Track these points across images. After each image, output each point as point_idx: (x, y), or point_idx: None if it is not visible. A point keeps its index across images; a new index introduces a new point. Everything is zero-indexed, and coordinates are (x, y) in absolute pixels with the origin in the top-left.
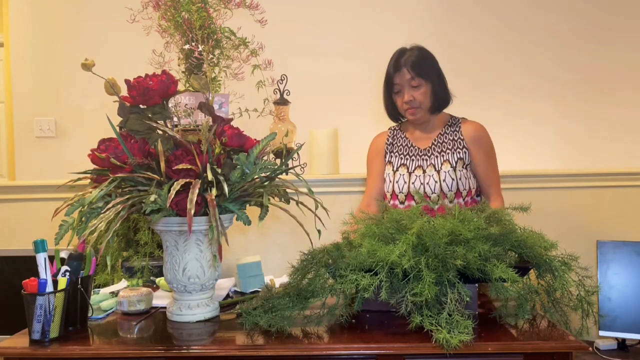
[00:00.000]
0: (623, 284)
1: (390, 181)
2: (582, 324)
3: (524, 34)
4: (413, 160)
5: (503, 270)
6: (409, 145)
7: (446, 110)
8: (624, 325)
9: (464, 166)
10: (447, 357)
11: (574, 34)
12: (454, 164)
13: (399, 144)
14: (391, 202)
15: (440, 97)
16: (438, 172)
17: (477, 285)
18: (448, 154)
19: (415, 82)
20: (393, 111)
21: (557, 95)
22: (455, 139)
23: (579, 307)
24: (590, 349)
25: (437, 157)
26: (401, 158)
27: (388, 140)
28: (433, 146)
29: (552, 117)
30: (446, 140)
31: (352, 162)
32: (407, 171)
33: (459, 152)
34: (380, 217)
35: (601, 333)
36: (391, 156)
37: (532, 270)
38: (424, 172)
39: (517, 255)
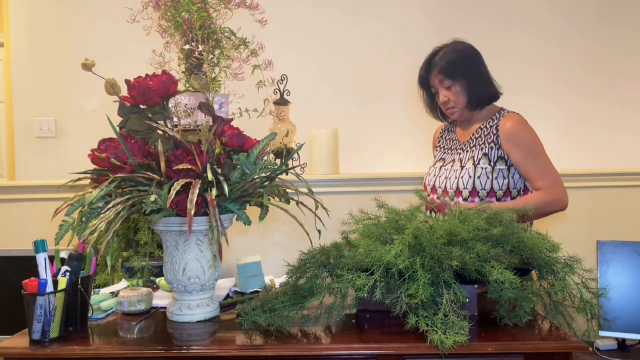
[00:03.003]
0: (623, 284)
1: (427, 174)
2: (588, 326)
3: (524, 33)
4: (451, 154)
5: (500, 271)
6: (454, 139)
7: (498, 103)
8: (624, 325)
9: (490, 163)
10: (447, 357)
11: (575, 34)
12: (477, 161)
13: (447, 137)
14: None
15: (478, 94)
16: (462, 167)
17: (476, 286)
18: (477, 149)
19: (447, 83)
20: (435, 111)
21: (557, 95)
22: (491, 133)
23: (582, 309)
24: (590, 349)
25: (467, 152)
26: (443, 152)
27: (441, 134)
28: (470, 140)
29: (552, 117)
30: (482, 135)
31: (352, 162)
32: (442, 165)
33: (486, 148)
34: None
35: (601, 333)
36: (437, 150)
37: (534, 272)
38: (452, 166)
39: (519, 257)
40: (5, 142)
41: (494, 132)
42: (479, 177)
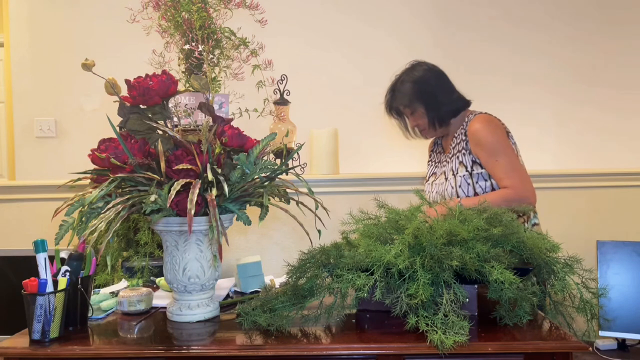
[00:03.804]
0: (623, 284)
1: (424, 190)
2: (588, 326)
3: (522, 35)
4: (440, 167)
5: (500, 271)
6: (441, 152)
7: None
8: (624, 325)
9: (467, 169)
10: (447, 357)
11: (573, 35)
12: (456, 170)
13: (437, 151)
14: None
15: (438, 114)
16: (446, 180)
17: (476, 286)
18: (455, 159)
19: (409, 111)
20: (409, 132)
21: (557, 95)
22: (462, 141)
23: (582, 309)
24: (590, 349)
25: (449, 163)
26: (435, 166)
27: (432, 148)
28: (450, 151)
29: (552, 117)
30: (457, 144)
31: (352, 162)
32: (434, 180)
33: (460, 156)
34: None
35: (601, 333)
36: (429, 164)
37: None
38: (439, 180)
39: (519, 257)
40: (5, 142)
41: (464, 138)
42: (460, 186)
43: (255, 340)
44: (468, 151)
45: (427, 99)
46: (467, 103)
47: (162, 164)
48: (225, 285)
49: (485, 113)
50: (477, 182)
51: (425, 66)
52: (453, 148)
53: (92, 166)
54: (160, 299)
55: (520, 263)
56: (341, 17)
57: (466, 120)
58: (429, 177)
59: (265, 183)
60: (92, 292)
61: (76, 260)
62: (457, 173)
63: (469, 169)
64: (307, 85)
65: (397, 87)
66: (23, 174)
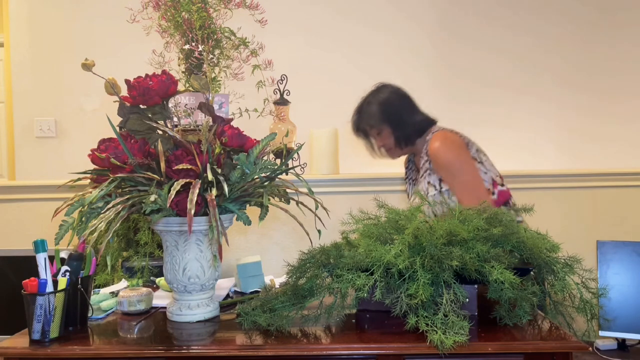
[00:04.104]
0: (623, 284)
1: None
2: (588, 326)
3: (524, 34)
4: (416, 186)
5: (500, 271)
6: (414, 169)
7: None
8: (624, 325)
9: (436, 189)
10: (447, 357)
11: (575, 34)
12: (426, 191)
13: (411, 169)
14: None
15: (404, 133)
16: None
17: (476, 286)
18: (423, 180)
19: (375, 132)
20: (375, 151)
21: (558, 95)
22: (426, 161)
23: (582, 309)
24: (590, 349)
25: (420, 184)
26: (411, 184)
27: (407, 166)
28: (420, 171)
29: (552, 117)
30: (423, 164)
31: (352, 162)
32: (413, 200)
33: (427, 176)
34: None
35: (601, 333)
36: (407, 182)
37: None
38: (416, 199)
39: (519, 257)
40: (5, 142)
41: (427, 158)
42: (434, 206)
43: (255, 340)
44: (432, 170)
45: (392, 120)
46: (432, 122)
47: (162, 164)
48: (225, 285)
49: (443, 130)
50: (449, 198)
51: (390, 88)
52: (421, 168)
53: (92, 166)
54: (160, 299)
55: (520, 263)
56: (341, 17)
57: (427, 139)
58: (410, 197)
59: (265, 183)
60: (92, 292)
61: (76, 260)
62: (427, 194)
63: (437, 187)
64: (307, 85)
65: (364, 108)
66: (23, 174)
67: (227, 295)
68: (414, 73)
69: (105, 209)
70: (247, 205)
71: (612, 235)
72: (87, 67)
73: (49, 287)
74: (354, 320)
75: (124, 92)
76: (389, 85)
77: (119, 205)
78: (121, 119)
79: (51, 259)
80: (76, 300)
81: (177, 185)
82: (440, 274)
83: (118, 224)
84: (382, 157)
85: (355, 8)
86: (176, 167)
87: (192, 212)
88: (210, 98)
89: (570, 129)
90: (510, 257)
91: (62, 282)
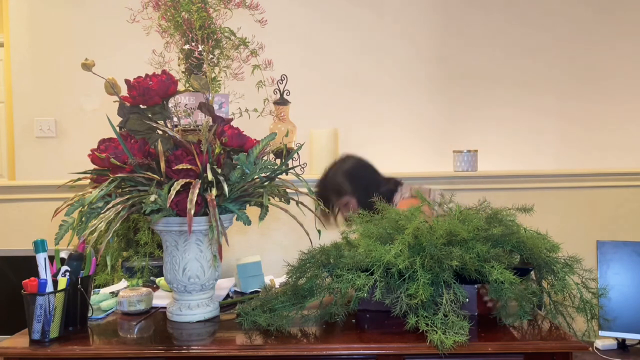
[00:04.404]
0: (623, 284)
1: None
2: (588, 326)
3: (525, 34)
4: None
5: (500, 271)
6: None
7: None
8: (624, 325)
9: None
10: (447, 357)
11: (574, 35)
12: None
13: None
14: None
15: (368, 199)
16: None
17: (476, 286)
18: None
19: (343, 201)
20: (330, 218)
21: (558, 95)
22: None
23: (582, 309)
24: (590, 349)
25: None
26: None
27: None
28: None
29: (552, 117)
30: None
31: None
32: None
33: None
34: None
35: (601, 333)
36: None
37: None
38: None
39: (519, 257)
40: (5, 142)
41: None
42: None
43: (255, 340)
44: None
45: (358, 189)
46: (396, 187)
47: (162, 164)
48: (225, 285)
49: (408, 198)
50: None
51: (354, 159)
52: None
53: (92, 166)
54: (160, 299)
55: (520, 263)
56: (341, 17)
57: (394, 205)
58: None
59: (265, 183)
60: (92, 292)
61: (76, 260)
62: None
63: None
64: (307, 85)
65: (330, 179)
66: (23, 174)
67: (227, 295)
68: (414, 73)
69: (105, 209)
70: (247, 205)
71: (612, 235)
72: (87, 67)
73: (49, 287)
74: (354, 320)
75: (124, 92)
76: (353, 155)
77: (119, 205)
78: (121, 119)
79: (51, 259)
80: (76, 300)
81: (177, 185)
82: (440, 274)
83: (118, 224)
84: (337, 226)
85: (356, 8)
86: (176, 167)
87: (192, 212)
88: (210, 98)
89: (570, 129)
90: (510, 257)
91: (62, 282)
